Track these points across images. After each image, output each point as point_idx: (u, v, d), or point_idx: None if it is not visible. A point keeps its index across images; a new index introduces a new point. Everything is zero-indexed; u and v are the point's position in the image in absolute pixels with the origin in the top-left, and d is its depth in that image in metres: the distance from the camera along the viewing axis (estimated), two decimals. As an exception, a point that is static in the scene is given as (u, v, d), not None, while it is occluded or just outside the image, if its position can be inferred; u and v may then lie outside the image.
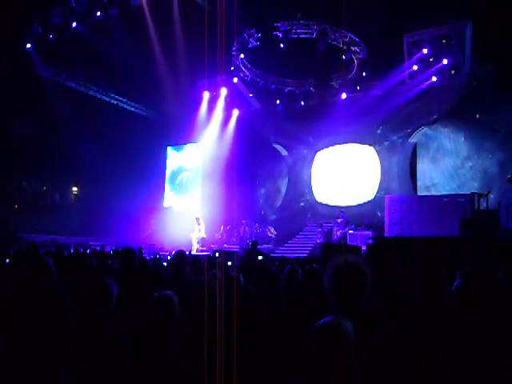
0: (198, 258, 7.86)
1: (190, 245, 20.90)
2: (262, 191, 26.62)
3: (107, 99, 24.83)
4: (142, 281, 5.10)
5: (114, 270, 6.10)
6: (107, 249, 18.69)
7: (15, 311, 2.11)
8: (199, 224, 21.16)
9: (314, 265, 3.99)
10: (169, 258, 15.04)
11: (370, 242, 14.96)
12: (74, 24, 19.86)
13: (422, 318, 3.30)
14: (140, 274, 5.35)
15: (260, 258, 8.53)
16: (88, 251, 14.58)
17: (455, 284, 2.44)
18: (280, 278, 4.76)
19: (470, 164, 20.10)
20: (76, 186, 25.24)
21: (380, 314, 3.18)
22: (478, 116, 19.91)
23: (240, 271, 6.32)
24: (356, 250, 14.10)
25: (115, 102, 25.14)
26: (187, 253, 17.47)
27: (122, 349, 2.80)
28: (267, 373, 3.17)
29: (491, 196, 15.79)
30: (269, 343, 3.24)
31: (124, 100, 25.42)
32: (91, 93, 24.06)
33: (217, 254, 11.44)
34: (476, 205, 15.54)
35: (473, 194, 15.95)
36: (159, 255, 14.21)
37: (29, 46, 20.70)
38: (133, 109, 26.15)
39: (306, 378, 2.17)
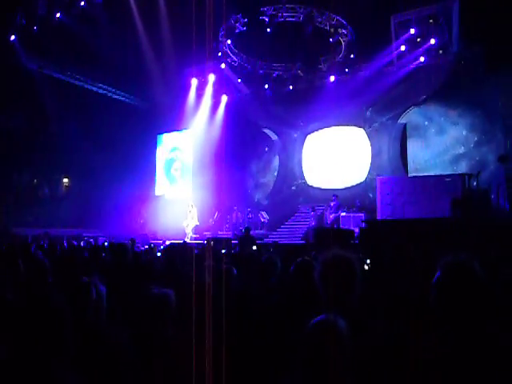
0: (190, 248, 7.86)
1: (184, 233, 20.96)
2: (253, 176, 26.61)
3: (95, 89, 24.67)
4: (135, 276, 5.09)
5: (108, 265, 6.08)
6: (101, 240, 18.71)
7: (15, 320, 2.13)
8: (192, 211, 21.22)
9: (306, 257, 3.98)
10: (162, 247, 15.10)
11: (363, 225, 15.07)
12: (58, 14, 19.64)
13: (413, 315, 3.32)
14: (133, 269, 5.34)
15: (254, 247, 8.54)
16: (82, 243, 14.62)
17: (435, 276, 2.46)
18: (272, 270, 4.77)
19: (460, 144, 20.15)
20: (67, 178, 25.13)
21: (372, 310, 3.20)
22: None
23: (233, 262, 6.35)
24: (349, 233, 14.21)
25: (103, 92, 25.00)
26: (182, 241, 17.55)
27: (119, 346, 2.82)
28: (259, 369, 3.18)
29: (481, 176, 15.86)
30: (260, 339, 3.25)
31: (112, 90, 25.27)
32: (78, 83, 23.88)
33: (211, 243, 11.44)
34: (467, 185, 15.60)
35: (463, 174, 16.01)
36: (153, 245, 14.21)
37: (13, 37, 20.47)
38: (121, 98, 26.02)
39: (300, 377, 2.18)
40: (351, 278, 2.85)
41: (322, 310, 2.65)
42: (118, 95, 25.82)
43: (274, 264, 4.85)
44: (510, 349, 2.29)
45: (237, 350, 3.12)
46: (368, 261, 5.76)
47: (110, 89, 25.20)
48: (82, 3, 19.42)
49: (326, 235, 14.23)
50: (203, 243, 14.73)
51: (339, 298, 2.80)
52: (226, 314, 3.12)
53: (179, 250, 6.45)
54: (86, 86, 24.21)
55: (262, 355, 3.15)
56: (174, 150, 26.77)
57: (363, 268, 5.59)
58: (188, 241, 19.86)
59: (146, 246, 14.67)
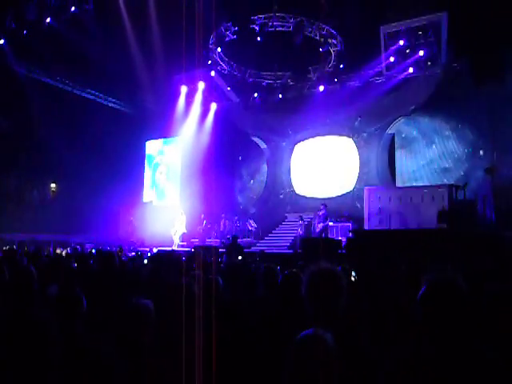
0: (177, 256, 7.84)
1: (171, 240, 20.92)
2: (242, 184, 26.63)
3: (84, 95, 24.60)
4: (121, 285, 5.08)
5: (94, 274, 6.04)
6: (88, 247, 18.63)
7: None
8: (182, 219, 21.24)
9: (294, 269, 3.99)
10: (149, 254, 15.06)
11: (350, 235, 15.12)
12: (49, 19, 19.58)
13: (398, 328, 3.34)
14: (120, 279, 5.32)
15: (240, 257, 8.53)
16: (69, 250, 14.54)
17: (420, 292, 2.49)
18: (259, 280, 4.77)
19: (448, 155, 20.27)
20: (54, 183, 24.98)
21: (358, 323, 3.21)
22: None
23: (220, 272, 6.35)
24: (336, 243, 14.26)
25: (92, 98, 24.94)
26: (169, 249, 17.52)
27: (103, 358, 2.80)
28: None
29: (468, 187, 15.97)
30: (248, 352, 3.24)
31: (101, 95, 25.22)
32: (67, 88, 23.81)
33: (200, 252, 11.40)
34: (454, 196, 15.70)
35: (450, 185, 16.11)
36: (140, 252, 14.17)
37: (2, 41, 20.40)
38: (110, 104, 25.96)
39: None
40: (337, 292, 2.87)
41: (310, 323, 2.67)
42: (108, 101, 25.77)
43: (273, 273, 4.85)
44: (494, 364, 2.32)
45: (225, 363, 3.11)
46: (354, 273, 5.77)
47: (99, 94, 25.15)
48: (73, 8, 19.35)
49: (313, 245, 14.27)
50: (190, 251, 14.69)
51: (325, 311, 2.82)
52: (215, 326, 3.11)
53: (166, 259, 6.44)
54: (75, 91, 24.15)
55: (250, 369, 3.15)
56: (162, 156, 26.69)
57: (350, 280, 5.60)
58: (175, 248, 19.84)
59: (133, 254, 14.63)
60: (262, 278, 4.72)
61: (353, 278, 5.72)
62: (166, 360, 3.08)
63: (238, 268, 5.51)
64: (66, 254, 11.92)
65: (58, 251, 14.44)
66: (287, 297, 3.71)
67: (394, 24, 19.14)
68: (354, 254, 12.25)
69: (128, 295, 3.99)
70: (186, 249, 18.46)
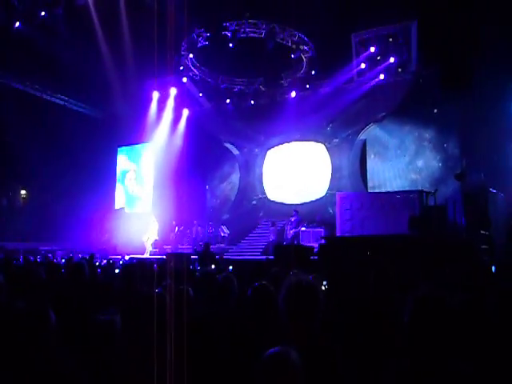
0: (149, 265, 7.78)
1: (143, 247, 20.79)
2: (214, 191, 26.58)
3: (54, 100, 24.34)
4: (91, 297, 5.02)
5: (64, 286, 5.96)
6: (59, 254, 18.41)
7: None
8: (153, 226, 21.12)
9: (264, 282, 3.98)
10: (121, 262, 14.93)
11: (322, 241, 15.14)
12: (18, 24, 19.35)
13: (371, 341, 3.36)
14: (90, 290, 5.26)
15: (213, 266, 8.49)
16: (38, 258, 14.32)
17: (407, 310, 2.49)
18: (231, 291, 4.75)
19: (419, 161, 20.50)
20: (24, 190, 24.67)
21: (331, 334, 3.22)
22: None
23: (191, 281, 6.30)
24: (308, 250, 14.27)
25: (63, 103, 24.68)
26: (141, 256, 17.39)
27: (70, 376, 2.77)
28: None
29: (438, 193, 16.11)
30: (218, 368, 3.23)
31: (72, 101, 24.97)
32: (37, 94, 23.53)
33: (171, 260, 11.29)
34: (424, 201, 15.84)
35: (421, 191, 16.25)
36: (112, 261, 14.04)
37: (-31, 47, 20.11)
38: (81, 109, 25.72)
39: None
40: (314, 305, 2.88)
41: (280, 337, 2.67)
42: (79, 107, 25.53)
43: (231, 284, 4.83)
44: (468, 379, 2.35)
45: (196, 377, 3.10)
46: (325, 282, 5.78)
47: (70, 100, 24.91)
48: (43, 13, 19.15)
49: (285, 252, 14.26)
50: (163, 258, 14.60)
51: (301, 322, 2.83)
52: (185, 339, 3.09)
53: (138, 268, 6.38)
54: (45, 96, 23.87)
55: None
56: (133, 162, 26.50)
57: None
58: (147, 256, 19.72)
59: (105, 261, 14.51)
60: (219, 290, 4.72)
61: (323, 287, 5.72)
62: (136, 373, 3.05)
63: (210, 278, 5.46)
64: (36, 262, 11.76)
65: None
66: (257, 310, 3.70)
67: (365, 31, 19.34)
68: (325, 261, 12.28)
69: (98, 308, 3.95)
70: (159, 256, 18.36)
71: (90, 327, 3.32)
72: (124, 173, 26.72)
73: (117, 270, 9.52)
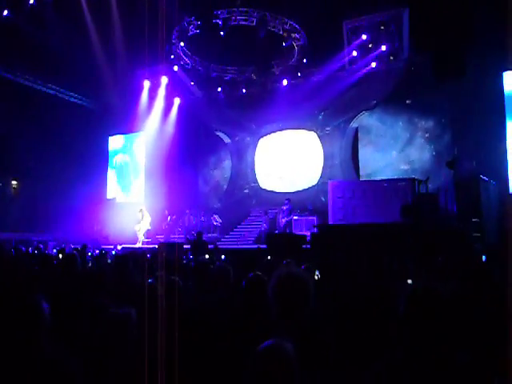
0: (142, 255, 7.78)
1: (136, 237, 20.76)
2: (206, 179, 26.57)
3: (44, 89, 24.09)
4: (85, 289, 5.00)
5: (57, 277, 5.93)
6: (51, 245, 18.36)
7: None
8: (143, 216, 21.03)
9: (258, 272, 3.98)
10: (114, 252, 14.93)
11: (315, 230, 15.19)
12: (6, 12, 19.17)
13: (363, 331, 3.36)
14: (83, 281, 5.24)
15: (207, 256, 8.49)
16: (30, 249, 14.28)
17: (401, 301, 2.49)
18: (225, 281, 4.75)
19: (411, 148, 20.55)
20: (15, 180, 24.52)
21: (322, 325, 3.22)
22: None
23: (184, 271, 6.31)
24: (300, 238, 14.31)
25: (53, 93, 24.44)
26: (133, 246, 17.36)
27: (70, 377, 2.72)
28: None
29: (432, 183, 16.18)
30: (210, 360, 3.22)
31: (63, 90, 24.72)
32: (27, 83, 23.28)
33: (163, 250, 11.27)
34: (416, 189, 15.89)
35: (413, 179, 16.29)
36: (104, 251, 14.01)
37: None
38: (72, 99, 25.50)
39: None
40: (304, 298, 2.87)
41: (274, 328, 2.67)
42: (69, 96, 25.29)
43: (227, 274, 4.83)
44: (466, 369, 2.36)
45: (187, 368, 3.09)
46: (317, 272, 5.78)
47: (60, 89, 24.66)
48: (32, 1, 18.98)
49: (277, 240, 14.30)
50: (155, 248, 14.60)
51: (291, 315, 2.83)
52: (178, 330, 3.08)
53: (130, 259, 6.38)
54: (35, 86, 23.63)
55: (211, 376, 3.13)
56: (125, 152, 26.39)
57: (313, 279, 5.62)
58: (140, 245, 19.71)
59: (97, 251, 14.48)
60: (215, 279, 4.71)
61: (316, 277, 5.73)
62: (129, 363, 3.05)
63: (204, 267, 5.47)
64: (27, 253, 11.73)
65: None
66: (251, 301, 3.70)
67: (356, 19, 19.30)
68: (318, 249, 12.32)
69: (96, 301, 3.94)
70: (151, 246, 18.35)
71: (104, 322, 3.18)
72: (117, 162, 26.57)
73: (109, 260, 9.52)
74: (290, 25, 20.24)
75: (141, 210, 21.39)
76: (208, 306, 4.16)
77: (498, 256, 6.94)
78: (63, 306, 3.96)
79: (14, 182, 24.43)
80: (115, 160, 26.62)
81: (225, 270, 4.84)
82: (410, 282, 4.63)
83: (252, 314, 3.56)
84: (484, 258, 6.40)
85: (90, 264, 9.02)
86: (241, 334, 3.21)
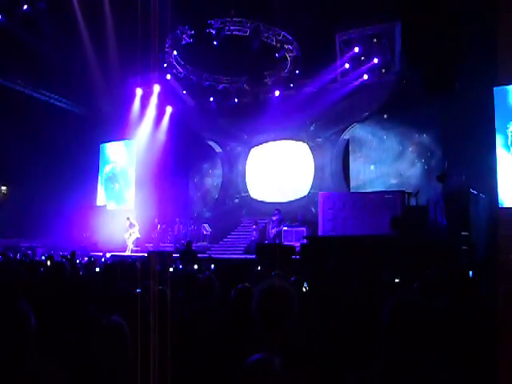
0: (130, 264, 7.76)
1: (125, 245, 20.71)
2: (197, 188, 26.56)
3: (36, 95, 24.03)
4: (72, 297, 4.97)
5: (45, 286, 5.88)
6: (39, 251, 18.26)
7: None
8: (132, 225, 20.99)
9: (247, 283, 3.99)
10: (103, 259, 14.88)
11: (304, 241, 15.19)
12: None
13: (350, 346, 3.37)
14: (72, 291, 5.21)
15: (195, 266, 8.48)
16: (18, 256, 14.20)
17: (384, 316, 2.50)
18: (212, 292, 4.76)
19: (401, 161, 20.63)
20: (5, 186, 24.42)
21: (309, 342, 3.23)
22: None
23: (173, 281, 6.30)
24: (290, 249, 14.32)
25: (45, 98, 24.36)
26: (122, 254, 17.29)
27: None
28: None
29: (422, 196, 16.23)
30: (200, 370, 3.22)
31: (54, 96, 24.66)
32: (19, 88, 23.21)
33: (154, 260, 11.23)
34: (406, 202, 15.93)
35: (403, 191, 16.34)
36: (93, 258, 13.97)
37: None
38: (64, 105, 25.43)
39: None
40: (287, 310, 2.87)
41: (260, 340, 2.67)
42: (61, 102, 25.23)
43: (212, 285, 4.84)
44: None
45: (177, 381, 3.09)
46: (306, 284, 5.79)
47: (52, 96, 24.60)
48: (25, 7, 18.96)
49: (267, 251, 14.30)
50: (144, 257, 14.57)
51: (274, 328, 2.83)
52: (167, 341, 3.08)
53: (119, 268, 6.37)
54: (27, 91, 23.57)
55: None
56: (116, 159, 26.32)
57: (301, 292, 5.63)
58: (129, 253, 19.65)
59: (86, 259, 14.43)
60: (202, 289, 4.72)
61: (304, 289, 5.73)
62: (118, 375, 3.02)
63: (191, 278, 5.47)
64: (16, 260, 11.66)
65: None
66: (239, 312, 3.70)
67: (349, 31, 19.41)
68: (307, 260, 12.32)
69: (86, 312, 3.91)
70: (140, 254, 18.30)
71: (97, 333, 3.06)
72: (108, 169, 26.52)
73: (97, 269, 9.47)
74: (284, 36, 20.33)
75: (128, 218, 21.34)
76: (196, 316, 4.16)
77: (485, 270, 6.98)
78: (50, 315, 3.95)
79: (3, 188, 24.34)
80: (106, 167, 26.55)
81: (211, 280, 4.85)
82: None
83: (240, 325, 3.56)
84: (471, 273, 6.42)
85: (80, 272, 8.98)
86: (229, 345, 3.21)
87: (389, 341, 2.44)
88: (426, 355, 2.43)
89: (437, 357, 2.73)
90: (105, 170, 26.55)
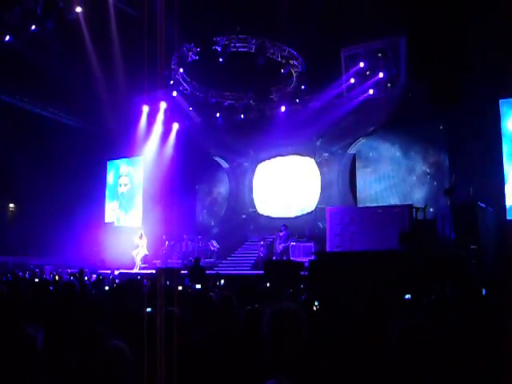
0: (140, 283, 7.76)
1: (133, 262, 20.70)
2: (204, 204, 26.57)
3: (44, 113, 24.17)
4: (82, 317, 4.96)
5: (53, 307, 5.87)
6: (47, 269, 18.27)
7: None
8: (141, 239, 21.00)
9: (256, 305, 3.96)
10: (111, 277, 14.87)
11: (312, 256, 15.16)
12: (8, 37, 19.30)
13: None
14: (81, 311, 5.20)
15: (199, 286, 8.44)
16: (27, 274, 14.21)
17: (393, 338, 2.49)
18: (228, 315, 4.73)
19: (408, 175, 20.59)
20: (13, 203, 24.51)
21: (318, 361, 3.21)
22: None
23: (181, 300, 6.27)
24: (298, 266, 14.27)
25: (53, 117, 24.50)
26: (129, 271, 17.28)
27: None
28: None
29: (430, 209, 16.20)
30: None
31: (62, 115, 24.81)
32: (27, 107, 23.38)
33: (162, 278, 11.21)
34: (414, 216, 15.89)
35: (411, 206, 16.30)
36: (101, 276, 13.95)
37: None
38: (71, 123, 25.54)
39: None
40: (297, 333, 2.85)
41: (272, 366, 2.66)
42: (69, 119, 25.36)
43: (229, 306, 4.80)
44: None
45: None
46: (316, 302, 5.76)
47: (60, 114, 24.74)
48: (33, 27, 19.11)
49: (275, 267, 14.27)
50: (153, 273, 14.56)
51: (285, 351, 2.81)
52: (176, 366, 3.06)
53: (129, 288, 6.34)
54: (35, 109, 23.71)
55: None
56: (124, 176, 26.38)
57: (312, 310, 5.59)
58: (137, 270, 19.63)
59: (94, 276, 14.44)
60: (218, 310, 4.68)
61: (315, 308, 5.70)
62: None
63: (200, 297, 5.44)
64: (24, 279, 11.67)
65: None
66: (250, 336, 3.67)
67: (354, 46, 19.45)
68: (316, 278, 12.27)
69: (89, 329, 3.90)
70: (148, 271, 18.28)
71: (99, 354, 3.01)
72: (115, 186, 26.60)
73: (107, 287, 9.45)
74: (289, 52, 20.41)
75: (141, 234, 21.37)
76: (206, 339, 4.13)
77: (496, 285, 6.93)
78: (58, 336, 3.93)
79: (11, 205, 24.42)
80: (113, 184, 26.62)
81: (228, 300, 4.81)
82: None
83: (251, 349, 3.54)
84: (484, 291, 6.38)
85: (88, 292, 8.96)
86: (240, 370, 3.18)
87: (397, 363, 2.43)
88: (436, 380, 2.42)
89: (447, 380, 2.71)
90: (112, 187, 26.60)
